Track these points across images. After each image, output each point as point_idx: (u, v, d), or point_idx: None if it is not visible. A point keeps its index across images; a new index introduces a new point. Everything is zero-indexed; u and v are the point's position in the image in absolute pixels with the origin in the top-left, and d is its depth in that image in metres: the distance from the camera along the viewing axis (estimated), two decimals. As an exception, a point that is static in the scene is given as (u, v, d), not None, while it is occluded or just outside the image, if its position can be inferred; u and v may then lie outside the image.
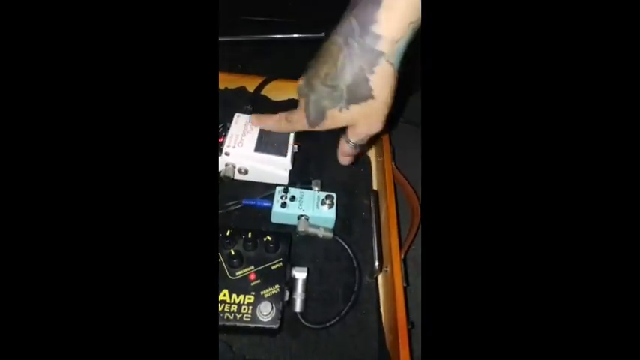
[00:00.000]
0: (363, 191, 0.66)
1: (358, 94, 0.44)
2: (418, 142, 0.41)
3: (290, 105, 0.79)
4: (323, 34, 1.02)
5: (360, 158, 0.71)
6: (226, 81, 0.79)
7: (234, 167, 0.58)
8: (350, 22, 0.42)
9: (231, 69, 0.83)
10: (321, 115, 0.48)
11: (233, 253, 0.46)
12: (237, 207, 0.58)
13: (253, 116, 0.60)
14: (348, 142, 0.51)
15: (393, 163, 0.68)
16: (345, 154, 0.54)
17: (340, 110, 0.46)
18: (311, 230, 0.56)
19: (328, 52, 0.45)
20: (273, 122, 0.57)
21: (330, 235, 0.56)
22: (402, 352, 0.46)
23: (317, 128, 0.50)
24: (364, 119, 0.47)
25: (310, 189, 0.60)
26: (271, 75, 0.80)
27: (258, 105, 0.74)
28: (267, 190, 0.61)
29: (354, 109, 0.45)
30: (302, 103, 0.50)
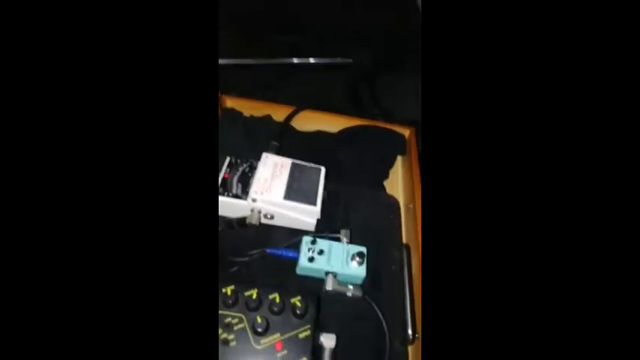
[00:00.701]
0: (392, 241, 0.62)
1: None
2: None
3: (317, 136, 0.76)
4: (351, 60, 0.98)
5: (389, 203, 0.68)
6: (252, 108, 0.76)
7: (259, 213, 0.54)
8: None
9: (255, 94, 0.79)
10: None
11: (260, 320, 0.42)
12: (260, 256, 0.54)
13: None
14: None
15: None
16: None
17: None
18: (339, 288, 0.52)
19: None
20: None
21: (359, 294, 0.52)
22: None
23: None
24: None
25: (339, 239, 0.56)
26: (300, 105, 0.76)
27: (286, 136, 0.71)
28: (291, 233, 0.57)
29: None
30: None
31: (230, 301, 0.44)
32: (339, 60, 0.94)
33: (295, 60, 0.92)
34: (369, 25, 1.11)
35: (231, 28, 0.94)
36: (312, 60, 0.93)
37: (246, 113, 0.76)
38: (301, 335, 0.44)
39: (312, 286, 0.53)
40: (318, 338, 0.46)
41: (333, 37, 1.02)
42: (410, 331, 0.50)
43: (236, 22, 0.93)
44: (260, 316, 0.43)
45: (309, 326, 0.45)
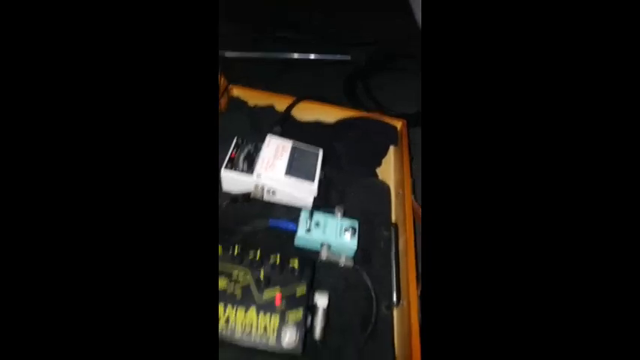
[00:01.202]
0: (382, 222, 0.67)
1: None
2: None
3: (315, 126, 0.81)
4: (349, 57, 1.04)
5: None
6: (256, 98, 0.81)
7: (263, 188, 0.60)
8: None
9: (259, 85, 0.85)
10: None
11: (262, 276, 0.48)
12: (263, 227, 0.59)
13: None
14: None
15: (412, 197, 0.70)
16: None
17: None
18: (333, 258, 0.57)
19: None
20: None
21: (350, 264, 0.58)
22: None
23: None
24: None
25: (333, 213, 0.61)
26: (300, 95, 0.82)
27: (287, 125, 0.76)
28: (290, 212, 0.63)
29: None
30: None
31: (237, 259, 0.49)
32: (337, 57, 1.00)
33: (296, 55, 0.98)
34: (368, 29, 1.17)
35: (239, 25, 1.00)
36: (312, 56, 0.99)
37: (251, 103, 0.81)
38: (298, 293, 0.49)
39: (309, 256, 0.58)
40: (313, 298, 0.51)
41: (333, 38, 1.08)
42: (395, 297, 0.55)
43: (244, 19, 0.98)
44: (263, 273, 0.49)
45: (305, 285, 0.50)
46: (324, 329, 0.50)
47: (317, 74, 0.98)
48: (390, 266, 0.61)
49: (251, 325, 0.46)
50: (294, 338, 0.46)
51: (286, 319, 0.47)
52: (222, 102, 0.77)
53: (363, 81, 1.01)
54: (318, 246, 0.58)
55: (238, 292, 0.48)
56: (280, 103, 0.81)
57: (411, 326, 0.52)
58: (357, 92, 0.98)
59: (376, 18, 1.21)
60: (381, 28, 1.18)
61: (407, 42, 1.09)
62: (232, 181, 0.59)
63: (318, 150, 0.65)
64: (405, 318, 0.54)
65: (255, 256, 0.50)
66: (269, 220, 0.60)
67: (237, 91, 0.81)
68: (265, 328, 0.46)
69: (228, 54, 0.87)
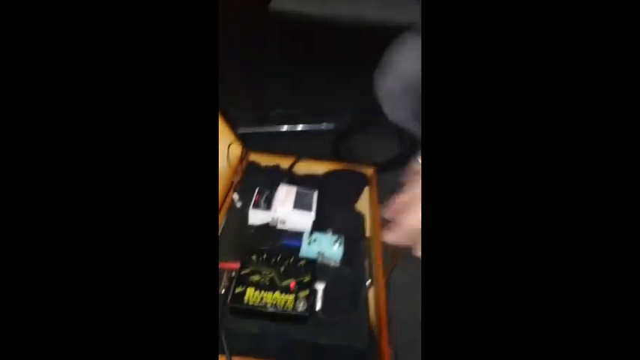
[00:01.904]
0: (359, 237, 0.97)
1: None
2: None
3: (309, 178, 1.13)
4: (333, 125, 1.39)
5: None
6: (266, 160, 1.14)
7: (278, 219, 0.91)
8: None
9: (269, 149, 1.17)
10: None
11: (282, 271, 0.78)
12: (278, 245, 0.90)
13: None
14: None
15: (380, 218, 1.00)
16: None
17: None
18: (326, 262, 0.87)
19: None
20: None
21: (337, 264, 0.88)
22: (383, 340, 0.76)
23: None
24: None
25: (326, 233, 0.92)
26: (298, 156, 1.15)
27: (290, 178, 1.09)
28: (295, 235, 0.93)
29: None
30: None
31: (265, 262, 0.80)
32: (324, 125, 1.35)
33: (295, 127, 1.33)
34: (346, 102, 1.54)
35: (249, 106, 1.36)
36: (306, 127, 1.34)
37: (263, 164, 1.14)
38: (305, 280, 0.79)
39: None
40: (314, 284, 0.80)
41: (323, 111, 1.44)
42: (368, 282, 0.85)
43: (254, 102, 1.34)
44: (283, 269, 0.79)
45: (310, 276, 0.80)
46: (323, 304, 0.79)
47: (310, 139, 1.33)
48: (365, 264, 0.90)
49: (276, 300, 0.75)
50: (305, 306, 0.75)
51: (299, 295, 0.76)
52: (244, 164, 1.10)
53: (344, 142, 1.35)
54: (316, 255, 0.88)
55: (267, 282, 0.77)
56: (284, 162, 1.14)
57: (379, 300, 0.81)
58: (339, 150, 1.32)
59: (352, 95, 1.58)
60: (357, 102, 1.55)
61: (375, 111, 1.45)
62: (257, 216, 0.91)
63: (314, 191, 0.96)
64: (376, 294, 0.83)
65: (276, 260, 0.81)
66: (282, 241, 0.90)
67: (253, 156, 1.14)
68: (286, 302, 0.75)
69: (243, 130, 1.22)
